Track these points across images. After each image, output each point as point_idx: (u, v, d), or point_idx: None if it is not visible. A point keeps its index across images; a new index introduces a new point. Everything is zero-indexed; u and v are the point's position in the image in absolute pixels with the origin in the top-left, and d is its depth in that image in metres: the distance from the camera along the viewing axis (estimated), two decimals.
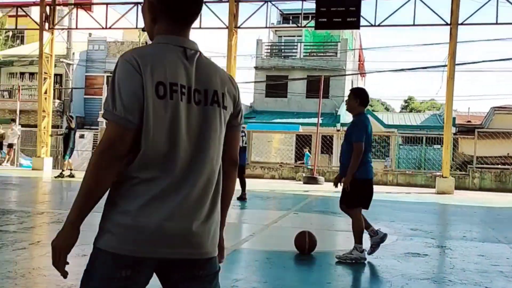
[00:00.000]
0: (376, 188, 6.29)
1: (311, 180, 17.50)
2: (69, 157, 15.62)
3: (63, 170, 15.60)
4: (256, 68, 30.45)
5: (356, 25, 17.03)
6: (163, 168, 1.69)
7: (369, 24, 17.13)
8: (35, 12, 22.20)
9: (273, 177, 19.59)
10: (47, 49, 18.77)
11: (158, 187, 1.68)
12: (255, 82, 29.58)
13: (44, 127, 18.50)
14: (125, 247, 1.68)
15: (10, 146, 21.49)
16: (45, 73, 18.78)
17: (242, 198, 11.21)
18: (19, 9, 19.83)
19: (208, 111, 1.77)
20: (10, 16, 22.02)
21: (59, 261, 1.74)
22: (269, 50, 31.84)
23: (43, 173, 17.12)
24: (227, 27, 17.60)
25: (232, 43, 17.60)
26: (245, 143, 11.68)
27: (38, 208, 9.53)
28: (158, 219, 1.67)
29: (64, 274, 1.77)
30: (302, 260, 5.95)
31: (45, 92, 18.78)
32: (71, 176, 15.29)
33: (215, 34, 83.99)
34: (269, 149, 23.18)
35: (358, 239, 5.67)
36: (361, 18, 16.58)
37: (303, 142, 22.93)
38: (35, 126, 19.17)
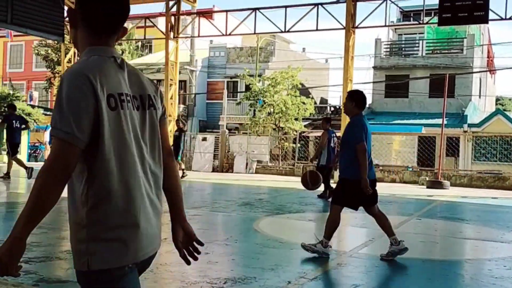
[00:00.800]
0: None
1: (435, 184, 16.62)
2: (180, 159, 16.42)
3: (183, 171, 16.45)
4: (374, 68, 29.67)
5: (484, 19, 15.90)
6: (127, 177, 1.77)
7: (498, 18, 15.90)
8: (161, 22, 23.64)
9: (393, 181, 18.92)
10: (172, 57, 19.85)
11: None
12: (373, 82, 28.84)
13: (170, 131, 19.60)
14: (126, 257, 1.79)
15: None
16: (170, 79, 19.88)
17: (322, 196, 11.54)
18: (147, 20, 21.25)
19: (147, 115, 1.87)
20: (138, 27, 23.65)
21: (7, 273, 1.72)
22: (388, 49, 30.87)
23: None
24: (344, 28, 17.35)
25: (349, 44, 17.30)
26: (335, 144, 11.62)
27: (164, 207, 10.05)
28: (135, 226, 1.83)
29: (16, 275, 1.77)
30: (426, 268, 5.64)
31: (171, 98, 19.88)
32: (183, 176, 16.14)
33: (330, 35, 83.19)
34: (389, 151, 22.44)
35: (327, 235, 5.75)
36: (490, 12, 15.45)
37: (426, 144, 21.88)
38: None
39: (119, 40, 2.09)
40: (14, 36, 35.32)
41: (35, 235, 6.66)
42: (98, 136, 1.69)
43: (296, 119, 24.41)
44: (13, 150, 13.34)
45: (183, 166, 16.91)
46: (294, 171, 20.59)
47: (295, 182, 16.93)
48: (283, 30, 18.89)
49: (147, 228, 1.86)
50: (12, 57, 39.39)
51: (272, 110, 24.06)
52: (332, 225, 5.76)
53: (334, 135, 11.83)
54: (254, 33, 20.29)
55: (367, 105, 6.80)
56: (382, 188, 15.81)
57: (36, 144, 22.47)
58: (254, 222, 8.26)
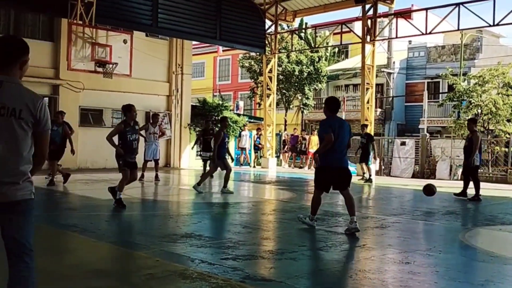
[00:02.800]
0: None
1: None
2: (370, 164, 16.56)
3: (368, 174, 16.25)
4: None
5: None
6: None
7: None
8: (357, 26, 23.56)
9: None
10: (368, 61, 19.63)
11: None
12: None
13: (362, 136, 19.34)
14: None
15: None
16: (367, 83, 19.66)
17: (473, 199, 11.54)
18: (343, 26, 21.39)
19: (2, 119, 2.89)
20: (335, 33, 23.93)
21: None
22: None
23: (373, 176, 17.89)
24: None
25: None
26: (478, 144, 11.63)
27: (362, 212, 9.93)
28: None
29: None
30: None
31: (368, 102, 19.65)
32: (369, 180, 16.07)
33: None
34: None
35: (312, 212, 7.51)
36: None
37: None
38: (359, 134, 20.19)
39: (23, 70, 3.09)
40: (223, 51, 38.72)
41: (241, 234, 7.15)
42: None
43: (508, 121, 22.07)
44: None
45: (371, 172, 16.76)
46: (507, 178, 18.64)
47: (508, 191, 15.29)
48: (492, 24, 17.30)
49: None
50: (221, 70, 43.30)
51: (479, 111, 22.16)
52: (313, 204, 7.48)
53: None
54: (458, 30, 18.96)
55: None
56: None
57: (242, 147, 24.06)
58: (460, 233, 7.66)
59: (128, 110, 9.11)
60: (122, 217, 8.71)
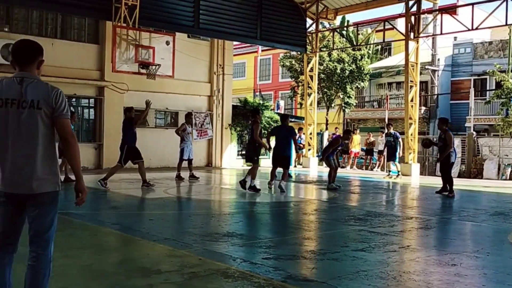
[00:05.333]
0: None
1: None
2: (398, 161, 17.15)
3: (389, 173, 16.48)
4: None
5: None
6: (2, 146, 3.28)
7: None
8: (400, 23, 23.11)
9: None
10: (412, 58, 19.21)
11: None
12: None
13: (411, 134, 18.98)
14: None
15: (380, 152, 22.88)
16: (411, 81, 19.24)
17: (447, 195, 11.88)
18: (386, 23, 21.02)
19: (26, 112, 3.26)
20: (377, 31, 23.53)
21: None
22: None
23: (411, 178, 17.53)
24: None
25: None
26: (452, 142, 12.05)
27: (407, 213, 9.74)
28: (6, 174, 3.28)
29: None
30: None
31: (411, 100, 19.23)
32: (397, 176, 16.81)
33: None
34: None
35: (271, 178, 11.87)
36: None
37: None
38: (403, 133, 19.84)
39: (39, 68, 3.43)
40: (263, 50, 38.73)
41: (283, 233, 7.13)
42: None
43: None
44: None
45: (398, 168, 17.31)
46: None
47: None
48: None
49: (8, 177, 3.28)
50: (262, 70, 43.34)
51: None
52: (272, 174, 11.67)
53: None
54: (506, 25, 18.31)
55: None
56: None
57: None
58: (509, 234, 7.40)
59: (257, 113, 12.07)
60: (165, 216, 8.84)
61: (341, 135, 14.43)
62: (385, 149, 17.40)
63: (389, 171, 17.35)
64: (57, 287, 4.21)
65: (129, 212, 9.03)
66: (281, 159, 11.68)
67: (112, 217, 8.26)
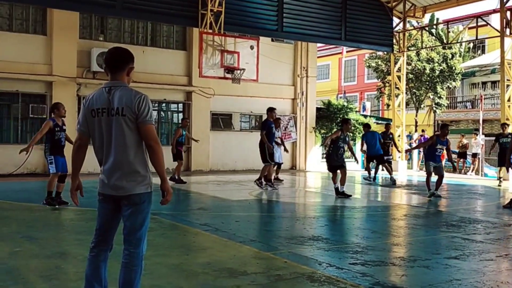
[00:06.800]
0: None
1: None
2: None
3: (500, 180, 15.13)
4: None
5: None
6: (100, 151, 3.52)
7: None
8: (494, 19, 21.84)
9: None
10: (508, 56, 18.08)
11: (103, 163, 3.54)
12: None
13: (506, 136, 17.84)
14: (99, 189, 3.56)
15: (474, 155, 21.75)
16: (507, 80, 18.13)
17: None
18: (478, 19, 19.94)
19: (114, 119, 3.44)
20: (470, 28, 22.40)
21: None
22: None
23: (508, 183, 16.47)
24: None
25: None
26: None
27: (505, 219, 9.15)
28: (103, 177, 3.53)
29: None
30: None
31: (508, 100, 18.12)
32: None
33: None
34: None
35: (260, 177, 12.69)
36: None
37: None
38: (501, 135, 18.70)
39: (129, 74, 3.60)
40: (347, 52, 38.14)
41: (370, 239, 6.94)
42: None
43: None
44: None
45: (501, 173, 15.83)
46: None
47: None
48: None
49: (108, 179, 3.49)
50: (347, 71, 42.68)
51: None
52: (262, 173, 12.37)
53: None
54: None
55: None
56: None
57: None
58: None
59: (345, 122, 11.36)
60: (251, 218, 8.92)
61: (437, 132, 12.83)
62: (499, 153, 15.31)
63: (500, 178, 15.63)
64: (148, 285, 4.37)
65: (216, 213, 9.21)
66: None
67: (200, 218, 8.46)
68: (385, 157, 15.65)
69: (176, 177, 13.55)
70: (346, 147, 11.53)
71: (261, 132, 12.62)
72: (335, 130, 12.00)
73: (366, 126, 15.93)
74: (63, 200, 9.00)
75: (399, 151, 20.51)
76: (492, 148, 16.59)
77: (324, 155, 12.24)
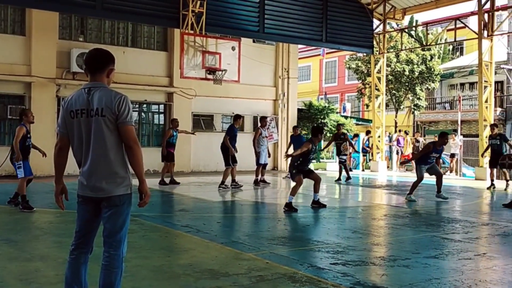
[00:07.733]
0: None
1: None
2: None
3: (507, 181, 14.94)
4: None
5: None
6: (79, 153, 3.48)
7: None
8: (472, 21, 22.16)
9: None
10: (486, 57, 18.39)
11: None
12: None
13: (486, 137, 18.14)
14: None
15: (452, 156, 22.02)
16: (485, 81, 18.43)
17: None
18: (457, 21, 20.23)
19: (94, 120, 3.41)
20: (448, 30, 22.71)
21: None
22: None
23: (486, 183, 16.74)
24: None
25: None
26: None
27: (482, 218, 9.30)
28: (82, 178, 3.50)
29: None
30: None
31: (486, 101, 18.42)
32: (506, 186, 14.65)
33: None
34: None
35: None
36: None
37: None
38: (476, 135, 19.06)
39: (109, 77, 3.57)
40: (327, 53, 38.35)
41: (351, 239, 7.00)
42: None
43: None
44: None
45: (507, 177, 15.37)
46: None
47: None
48: None
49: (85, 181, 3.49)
50: (327, 73, 42.93)
51: None
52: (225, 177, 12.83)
53: None
54: None
55: None
56: None
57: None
58: None
59: (319, 132, 9.97)
60: (233, 219, 8.92)
61: (435, 140, 12.40)
62: (489, 154, 15.10)
63: (507, 180, 14.98)
64: (129, 287, 4.35)
65: (198, 214, 9.19)
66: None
67: (181, 219, 8.43)
68: (339, 157, 16.59)
69: (170, 179, 13.64)
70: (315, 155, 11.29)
71: (225, 136, 13.40)
72: (304, 141, 10.49)
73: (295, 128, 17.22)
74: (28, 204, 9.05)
75: (356, 152, 20.81)
76: (485, 150, 16.29)
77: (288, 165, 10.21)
